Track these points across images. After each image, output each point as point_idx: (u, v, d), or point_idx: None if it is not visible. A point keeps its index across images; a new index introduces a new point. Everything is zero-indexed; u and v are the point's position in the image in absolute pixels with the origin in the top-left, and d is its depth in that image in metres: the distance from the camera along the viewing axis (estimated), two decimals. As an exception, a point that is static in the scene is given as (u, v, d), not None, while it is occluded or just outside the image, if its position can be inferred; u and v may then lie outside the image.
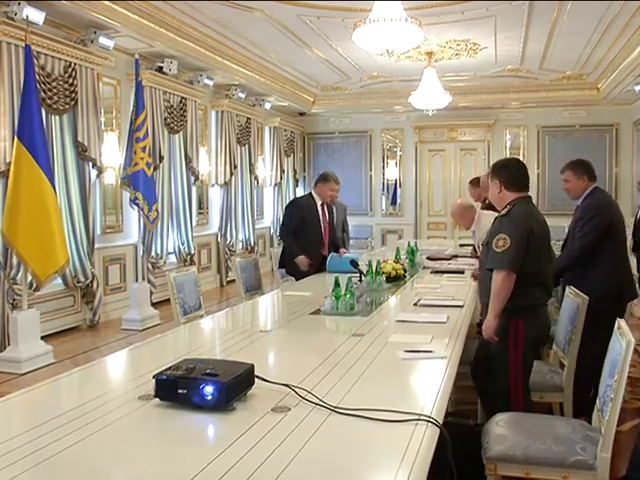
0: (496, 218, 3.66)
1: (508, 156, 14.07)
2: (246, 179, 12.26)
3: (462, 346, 3.27)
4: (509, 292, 3.37)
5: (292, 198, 6.70)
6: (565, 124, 13.68)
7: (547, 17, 8.42)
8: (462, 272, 5.99)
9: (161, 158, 9.09)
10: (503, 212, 3.54)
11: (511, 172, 3.69)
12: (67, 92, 7.22)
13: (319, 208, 6.38)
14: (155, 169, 8.55)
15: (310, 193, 6.62)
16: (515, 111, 13.94)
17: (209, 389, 2.18)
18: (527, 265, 3.39)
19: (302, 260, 6.06)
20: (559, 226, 13.12)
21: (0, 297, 6.49)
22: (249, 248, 12.30)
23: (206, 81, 10.10)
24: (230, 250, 11.59)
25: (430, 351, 3.05)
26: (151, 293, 8.44)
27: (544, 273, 3.57)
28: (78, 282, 7.56)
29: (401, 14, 6.29)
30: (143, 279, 8.34)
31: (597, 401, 2.77)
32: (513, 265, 3.35)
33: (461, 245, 9.29)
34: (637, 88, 10.83)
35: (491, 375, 3.60)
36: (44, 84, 6.83)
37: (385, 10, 6.24)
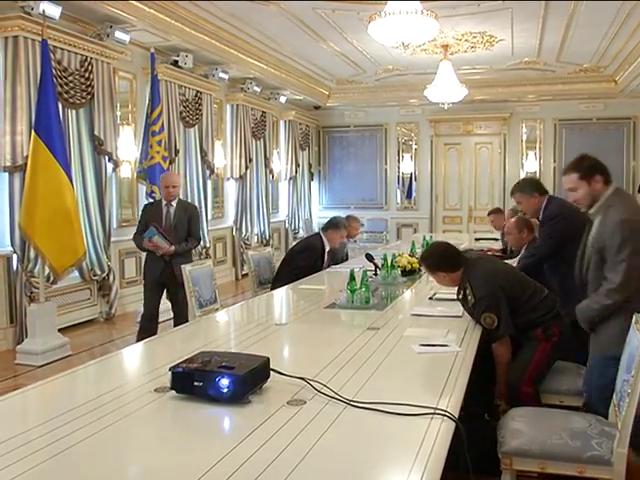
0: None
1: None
2: (261, 173, 12.28)
3: (478, 340, 3.26)
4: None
5: (309, 241, 6.21)
6: (582, 117, 13.55)
7: (564, 9, 8.34)
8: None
9: (177, 152, 9.12)
10: (471, 298, 3.55)
11: (447, 257, 3.73)
12: (83, 86, 7.25)
13: (326, 255, 6.14)
14: (171, 163, 8.58)
15: (319, 235, 6.21)
16: (531, 104, 13.82)
17: (225, 382, 2.19)
18: (517, 301, 3.56)
19: None
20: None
21: (18, 290, 6.55)
22: (264, 242, 12.32)
23: (221, 75, 10.10)
24: (245, 243, 11.62)
25: (445, 345, 3.05)
26: (167, 286, 8.47)
27: (541, 287, 3.75)
28: (94, 275, 7.61)
29: (416, 6, 6.27)
30: (159, 272, 8.36)
31: (614, 396, 2.75)
32: (507, 330, 3.48)
33: (477, 239, 9.26)
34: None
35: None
36: (61, 78, 6.86)
37: (400, 3, 6.21)
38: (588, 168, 3.26)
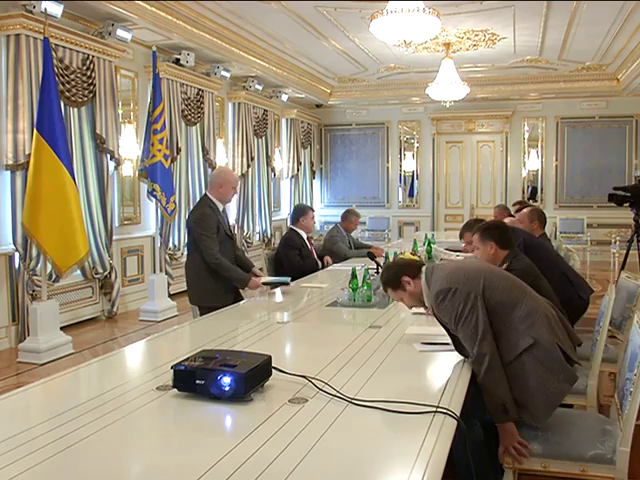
0: None
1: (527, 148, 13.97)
2: (263, 171, 12.27)
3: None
4: None
5: (286, 239, 6.20)
6: (584, 115, 13.53)
7: (566, 7, 8.33)
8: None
9: (178, 150, 9.11)
10: None
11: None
12: (85, 84, 7.25)
13: (307, 242, 6.22)
14: (172, 161, 8.58)
15: (291, 229, 6.20)
16: (534, 102, 13.80)
17: (227, 380, 2.19)
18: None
19: None
20: (578, 219, 13.11)
21: (20, 288, 6.56)
22: (266, 240, 12.33)
23: (223, 73, 10.10)
24: (247, 242, 11.62)
25: (447, 343, 3.04)
26: (169, 284, 8.48)
27: None
28: (96, 273, 7.61)
29: (418, 4, 6.26)
30: (161, 270, 8.37)
31: (616, 395, 2.75)
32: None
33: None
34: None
35: None
36: (63, 77, 6.86)
37: (403, 1, 6.21)
38: (393, 277, 3.10)
